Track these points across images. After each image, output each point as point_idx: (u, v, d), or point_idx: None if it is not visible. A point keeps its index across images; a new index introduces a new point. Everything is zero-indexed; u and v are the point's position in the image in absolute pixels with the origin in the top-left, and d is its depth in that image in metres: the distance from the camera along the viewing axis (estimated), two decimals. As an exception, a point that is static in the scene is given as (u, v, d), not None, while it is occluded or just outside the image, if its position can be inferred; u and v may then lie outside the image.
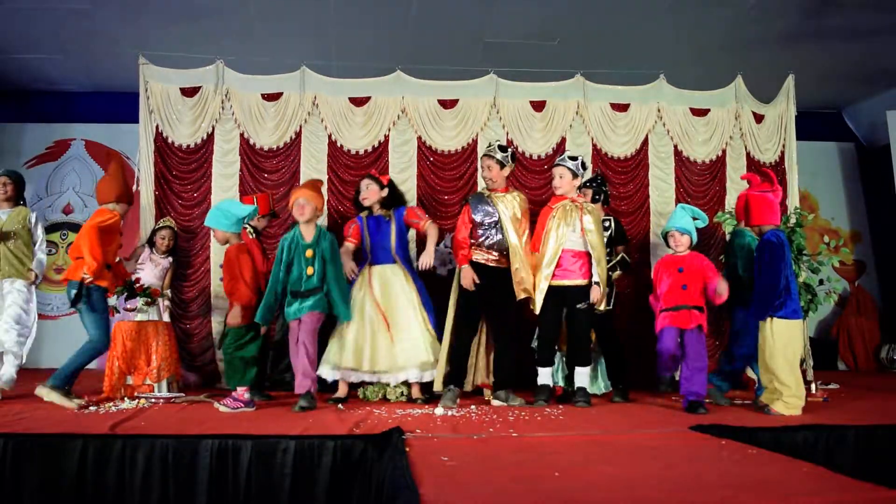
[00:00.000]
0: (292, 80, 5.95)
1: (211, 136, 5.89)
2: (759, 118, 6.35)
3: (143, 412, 4.02)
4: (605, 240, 4.94)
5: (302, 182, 5.59)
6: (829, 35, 6.77)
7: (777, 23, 6.56)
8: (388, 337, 4.69)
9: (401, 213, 4.93)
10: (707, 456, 2.89)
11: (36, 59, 7.32)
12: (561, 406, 4.48)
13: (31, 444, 3.09)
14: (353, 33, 6.73)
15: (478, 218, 4.69)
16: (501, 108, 6.13)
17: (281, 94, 5.96)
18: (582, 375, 4.65)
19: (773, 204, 4.26)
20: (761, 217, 4.26)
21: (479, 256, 4.68)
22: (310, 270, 4.23)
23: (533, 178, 6.03)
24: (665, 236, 4.63)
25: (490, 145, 4.82)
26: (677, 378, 4.43)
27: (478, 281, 4.58)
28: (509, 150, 4.79)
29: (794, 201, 6.11)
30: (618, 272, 5.24)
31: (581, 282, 4.60)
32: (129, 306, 5.04)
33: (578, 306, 4.58)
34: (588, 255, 4.62)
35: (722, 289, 4.30)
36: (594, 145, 6.19)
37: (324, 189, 5.04)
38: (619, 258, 5.26)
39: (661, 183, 6.23)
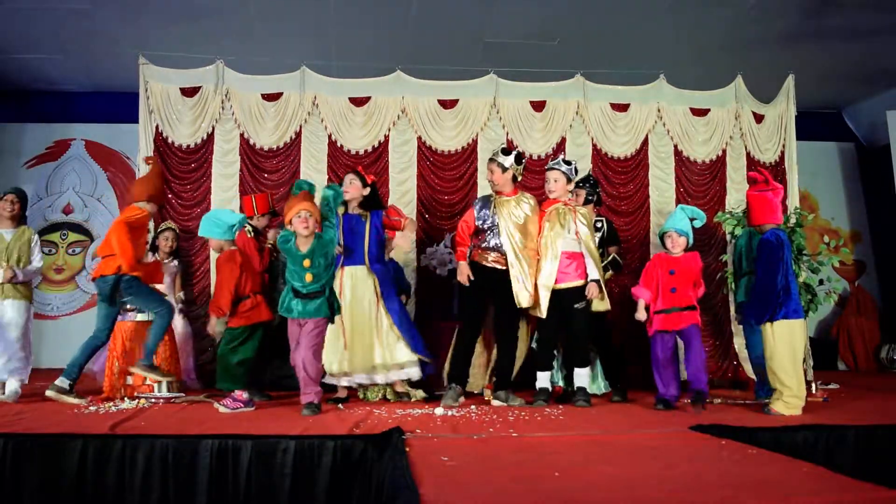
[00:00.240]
0: (292, 80, 5.95)
1: (211, 136, 5.90)
2: (759, 118, 6.35)
3: (143, 412, 4.02)
4: (597, 241, 4.95)
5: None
6: (829, 35, 6.77)
7: (777, 23, 6.56)
8: (364, 340, 4.63)
9: (378, 216, 4.77)
10: (707, 456, 2.89)
11: (36, 59, 7.32)
12: (561, 406, 4.48)
13: (31, 444, 3.09)
14: (353, 33, 6.73)
15: (478, 221, 4.69)
16: (501, 108, 6.13)
17: (281, 94, 5.96)
18: (581, 376, 4.65)
19: (772, 203, 4.23)
20: (762, 216, 4.25)
21: (480, 257, 4.67)
22: (308, 277, 4.20)
23: (533, 178, 6.01)
24: (662, 236, 4.63)
25: (495, 150, 4.77)
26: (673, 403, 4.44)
27: (472, 278, 4.58)
28: (513, 153, 4.69)
29: (794, 201, 6.12)
30: (609, 273, 5.23)
31: (577, 283, 4.60)
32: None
33: (576, 306, 4.58)
34: (582, 255, 4.62)
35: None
36: (594, 145, 6.19)
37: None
38: (610, 259, 5.25)
39: (662, 183, 6.23)
